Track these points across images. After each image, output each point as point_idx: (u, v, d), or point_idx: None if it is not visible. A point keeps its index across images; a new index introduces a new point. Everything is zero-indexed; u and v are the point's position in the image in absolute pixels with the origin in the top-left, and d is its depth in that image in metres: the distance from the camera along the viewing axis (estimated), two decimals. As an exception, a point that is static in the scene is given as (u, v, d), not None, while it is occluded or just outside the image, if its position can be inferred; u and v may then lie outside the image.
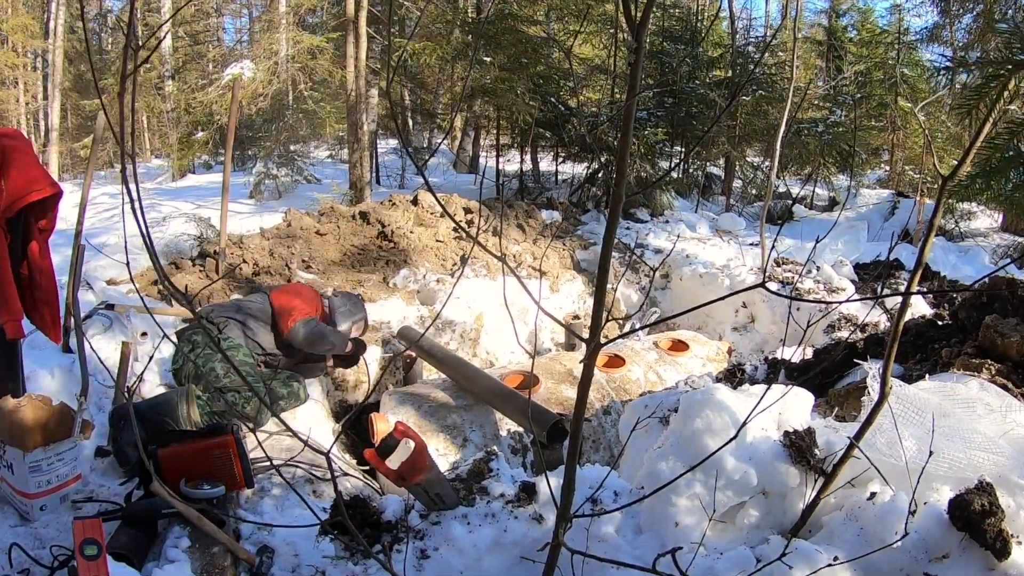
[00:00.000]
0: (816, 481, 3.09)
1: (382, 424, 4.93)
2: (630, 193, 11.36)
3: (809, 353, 5.56)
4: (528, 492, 3.59)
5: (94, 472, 4.39)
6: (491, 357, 7.45)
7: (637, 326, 7.92)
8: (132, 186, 1.75)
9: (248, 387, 5.00)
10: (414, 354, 6.31)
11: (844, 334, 6.16)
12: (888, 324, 6.02)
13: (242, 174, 16.94)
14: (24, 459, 3.70)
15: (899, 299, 2.84)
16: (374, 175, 15.62)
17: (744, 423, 2.47)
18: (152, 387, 5.45)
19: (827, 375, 4.76)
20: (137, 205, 1.81)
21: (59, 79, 20.28)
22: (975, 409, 3.22)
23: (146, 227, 1.86)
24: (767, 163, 14.18)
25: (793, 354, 3.62)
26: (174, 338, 5.50)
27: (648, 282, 8.60)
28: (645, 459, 3.54)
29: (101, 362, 3.82)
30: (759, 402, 2.56)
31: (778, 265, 7.96)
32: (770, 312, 7.19)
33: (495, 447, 4.13)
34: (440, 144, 18.65)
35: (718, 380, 5.50)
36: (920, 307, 6.27)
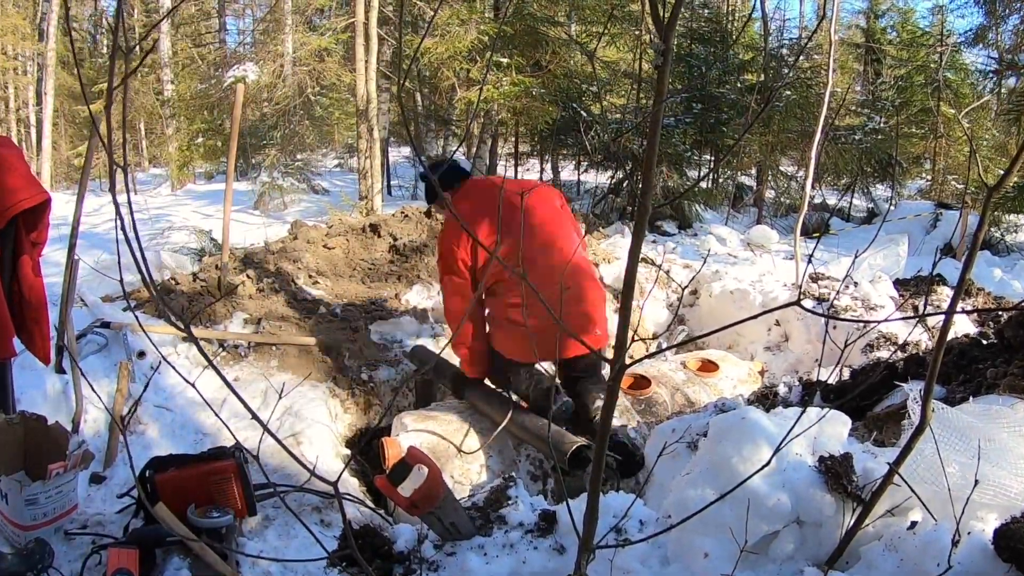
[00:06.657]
0: (854, 509, 3.09)
1: (394, 449, 4.96)
2: (657, 204, 11.37)
3: (846, 374, 5.55)
4: (548, 521, 3.59)
5: (89, 500, 4.42)
6: (509, 378, 7.44)
7: (664, 346, 7.91)
8: (124, 203, 1.76)
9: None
10: (428, 375, 6.31)
11: (883, 354, 6.14)
12: (930, 344, 6.00)
13: (246, 183, 17.04)
14: (21, 492, 3.72)
15: (941, 317, 2.84)
16: (385, 185, 15.69)
17: (778, 448, 2.48)
18: (149, 408, 5.47)
19: (865, 397, 4.76)
20: (129, 221, 1.83)
21: (52, 84, 20.42)
22: (1022, 432, 3.21)
23: (140, 246, 1.89)
24: (802, 172, 14.16)
25: (829, 375, 3.61)
26: (171, 358, 5.51)
27: (677, 299, 8.57)
28: (673, 486, 3.55)
29: (92, 388, 3.83)
30: (793, 426, 2.57)
31: (813, 281, 7.94)
32: (805, 331, 7.16)
33: (514, 474, 4.14)
34: (455, 152, 18.71)
35: (750, 402, 5.50)
36: (963, 325, 6.24)
